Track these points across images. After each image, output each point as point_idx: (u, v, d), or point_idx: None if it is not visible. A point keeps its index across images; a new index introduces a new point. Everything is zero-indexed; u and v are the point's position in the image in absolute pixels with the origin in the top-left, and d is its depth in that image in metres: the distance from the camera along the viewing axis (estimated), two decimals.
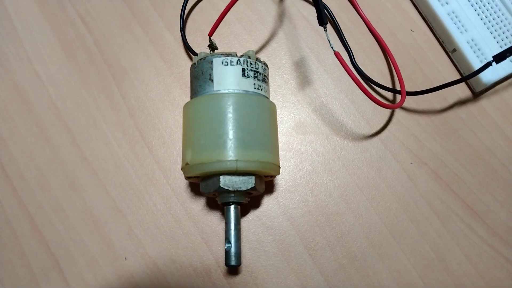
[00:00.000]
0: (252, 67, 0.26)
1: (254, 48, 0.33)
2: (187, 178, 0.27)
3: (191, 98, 0.27)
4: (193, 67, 0.27)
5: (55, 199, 0.29)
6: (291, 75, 0.33)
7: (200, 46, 0.33)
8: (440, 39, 0.34)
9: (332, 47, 0.26)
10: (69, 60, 0.33)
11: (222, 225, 0.29)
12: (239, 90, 0.25)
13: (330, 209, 0.30)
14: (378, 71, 0.33)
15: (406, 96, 0.29)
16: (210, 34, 0.28)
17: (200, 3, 0.34)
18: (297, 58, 0.33)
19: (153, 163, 0.30)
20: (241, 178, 0.25)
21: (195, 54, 0.31)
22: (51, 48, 0.33)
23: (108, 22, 0.34)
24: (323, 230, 0.29)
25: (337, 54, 0.26)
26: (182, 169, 0.26)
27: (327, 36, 0.26)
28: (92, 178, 0.30)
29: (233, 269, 0.28)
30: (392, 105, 0.28)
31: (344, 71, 0.25)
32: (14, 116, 0.31)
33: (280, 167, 0.27)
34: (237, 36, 0.34)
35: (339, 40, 0.34)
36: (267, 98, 0.27)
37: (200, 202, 0.30)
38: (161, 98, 0.32)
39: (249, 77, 0.26)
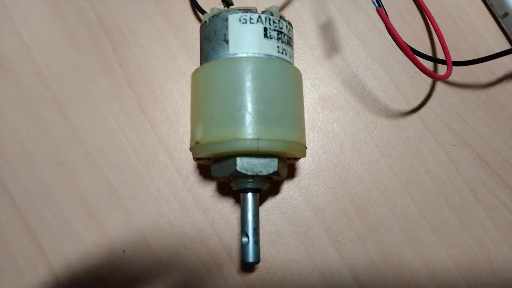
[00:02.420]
0: (276, 26, 0.22)
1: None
2: (196, 159, 0.23)
3: (201, 64, 0.23)
4: (203, 26, 0.23)
5: (42, 182, 0.27)
6: (316, 40, 0.29)
7: (210, 5, 0.28)
8: (488, 2, 0.31)
9: (374, 2, 0.21)
10: (58, 20, 0.29)
11: (235, 214, 0.26)
12: (260, 54, 0.21)
13: (361, 197, 0.27)
14: (416, 37, 0.29)
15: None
16: None
17: None
18: (323, 21, 0.30)
19: (155, 141, 0.27)
20: (262, 160, 0.21)
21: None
22: (37, 5, 0.30)
23: None
24: (352, 221, 0.26)
25: (379, 11, 0.21)
26: (191, 149, 0.22)
27: None
28: (85, 158, 0.27)
29: (248, 265, 0.25)
30: (440, 76, 0.23)
31: (381, 34, 0.21)
32: None
33: (306, 148, 0.23)
34: None
35: (370, 0, 0.30)
36: (292, 64, 0.23)
37: (210, 187, 0.26)
38: (164, 66, 0.29)
39: (272, 38, 0.22)
